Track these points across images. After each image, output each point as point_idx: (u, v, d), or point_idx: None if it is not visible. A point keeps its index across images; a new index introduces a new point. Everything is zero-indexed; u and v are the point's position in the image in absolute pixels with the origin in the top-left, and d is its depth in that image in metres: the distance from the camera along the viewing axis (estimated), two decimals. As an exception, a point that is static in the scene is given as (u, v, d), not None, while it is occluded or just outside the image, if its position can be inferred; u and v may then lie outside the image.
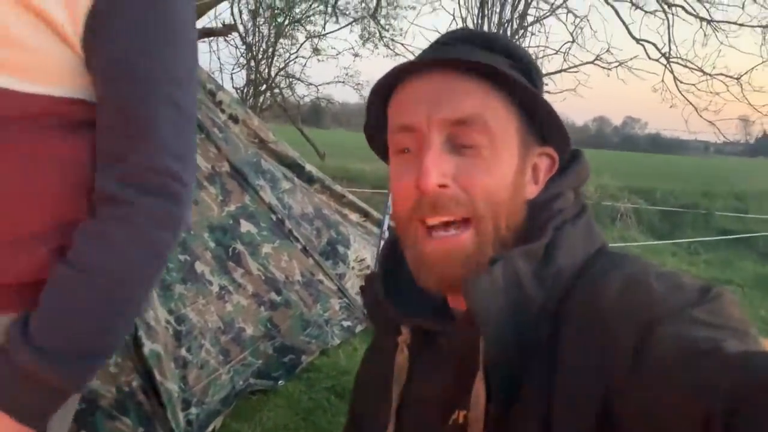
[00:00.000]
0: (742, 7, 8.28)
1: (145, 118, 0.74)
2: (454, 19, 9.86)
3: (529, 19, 10.00)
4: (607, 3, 9.14)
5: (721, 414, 0.41)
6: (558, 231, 0.60)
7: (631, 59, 9.58)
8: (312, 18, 11.90)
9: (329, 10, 11.23)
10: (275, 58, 12.25)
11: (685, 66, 9.04)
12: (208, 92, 2.90)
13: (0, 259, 0.74)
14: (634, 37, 9.28)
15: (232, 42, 11.46)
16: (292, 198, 3.20)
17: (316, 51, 12.33)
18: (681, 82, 9.21)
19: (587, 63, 10.01)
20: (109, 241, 0.74)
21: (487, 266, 0.57)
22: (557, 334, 0.55)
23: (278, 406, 2.53)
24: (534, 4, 9.87)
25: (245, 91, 12.02)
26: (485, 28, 9.12)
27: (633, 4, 9.06)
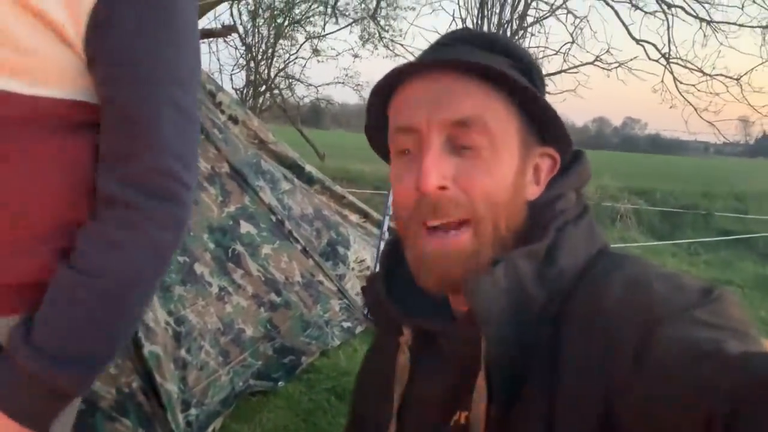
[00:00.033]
0: (742, 8, 8.30)
1: (148, 120, 0.74)
2: (453, 20, 9.88)
3: (529, 19, 10.02)
4: (607, 4, 9.15)
5: (722, 415, 0.41)
6: (560, 232, 0.60)
7: (630, 60, 9.61)
8: (311, 19, 11.93)
9: (329, 11, 11.25)
10: (275, 59, 12.28)
11: (685, 66, 9.06)
12: (207, 93, 2.90)
13: (1, 260, 0.74)
14: (633, 38, 9.30)
15: (231, 43, 11.49)
16: (292, 199, 3.20)
17: (315, 52, 12.36)
18: (681, 83, 9.22)
19: (587, 64, 10.03)
20: (111, 243, 0.74)
21: (489, 267, 0.57)
22: (559, 334, 0.55)
23: (278, 407, 2.53)
24: (534, 4, 9.89)
25: (245, 91, 12.04)
26: (485, 28, 9.13)
27: (633, 5, 9.07)
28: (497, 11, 9.92)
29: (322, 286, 3.08)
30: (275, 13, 11.68)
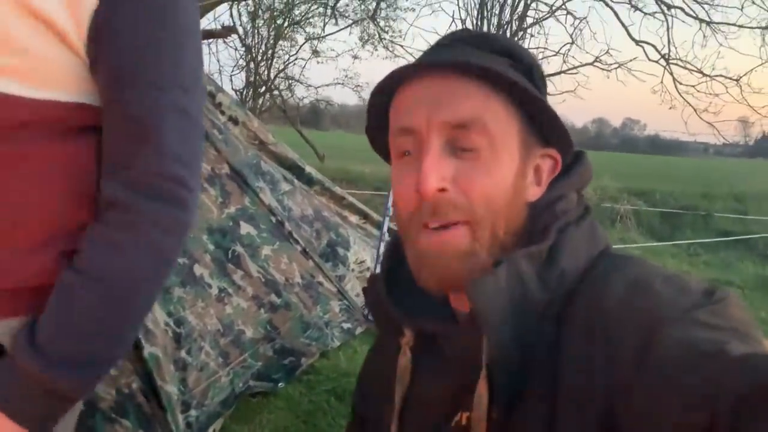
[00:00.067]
0: (741, 9, 8.32)
1: (152, 124, 0.73)
2: (453, 21, 9.90)
3: (529, 20, 10.04)
4: (607, 5, 9.17)
5: (724, 416, 0.41)
6: (561, 233, 0.60)
7: (630, 61, 9.64)
8: (311, 20, 11.95)
9: (328, 12, 11.25)
10: (274, 60, 12.30)
11: (685, 67, 9.08)
12: (207, 94, 2.90)
13: (4, 264, 0.74)
14: (633, 39, 9.31)
15: (231, 44, 11.50)
16: (292, 200, 3.19)
17: (315, 53, 12.37)
18: (680, 84, 9.25)
19: (587, 64, 10.05)
20: (116, 247, 0.73)
21: (491, 268, 0.57)
22: (560, 335, 0.55)
23: (278, 409, 2.53)
24: (533, 5, 9.90)
25: (244, 92, 12.05)
26: (484, 29, 9.13)
27: (632, 6, 9.09)
28: (497, 12, 9.94)
29: (322, 287, 3.08)
30: (275, 14, 11.69)
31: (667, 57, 9.13)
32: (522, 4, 9.90)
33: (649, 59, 9.39)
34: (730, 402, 0.42)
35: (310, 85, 12.95)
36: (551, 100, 0.68)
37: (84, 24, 0.70)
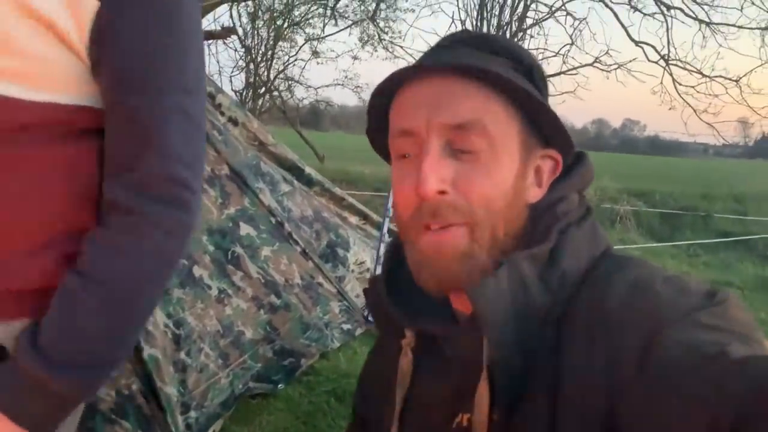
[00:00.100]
0: (741, 9, 8.32)
1: (155, 127, 0.73)
2: (453, 21, 9.90)
3: (528, 21, 10.04)
4: (606, 5, 9.17)
5: (726, 419, 0.41)
6: (562, 234, 0.60)
7: (630, 61, 9.65)
8: (311, 21, 11.96)
9: (328, 12, 11.25)
10: (274, 61, 12.30)
11: (684, 68, 9.09)
12: (207, 95, 2.90)
13: (7, 266, 0.73)
14: (633, 40, 9.32)
15: (231, 45, 11.51)
16: (292, 201, 3.19)
17: (315, 54, 12.38)
18: (680, 84, 9.26)
19: (586, 65, 10.06)
20: (119, 250, 0.73)
21: (492, 269, 0.56)
22: (561, 337, 0.55)
23: (278, 410, 2.52)
24: (533, 6, 9.91)
25: (244, 93, 12.05)
26: (484, 30, 9.14)
27: (632, 7, 9.09)
28: (496, 13, 9.95)
29: (322, 288, 3.07)
30: (275, 15, 11.70)
31: (666, 58, 9.14)
32: (522, 5, 9.91)
33: (649, 60, 9.41)
34: (731, 404, 0.41)
35: (309, 86, 12.98)
36: (551, 101, 0.68)
37: (86, 25, 0.70)
